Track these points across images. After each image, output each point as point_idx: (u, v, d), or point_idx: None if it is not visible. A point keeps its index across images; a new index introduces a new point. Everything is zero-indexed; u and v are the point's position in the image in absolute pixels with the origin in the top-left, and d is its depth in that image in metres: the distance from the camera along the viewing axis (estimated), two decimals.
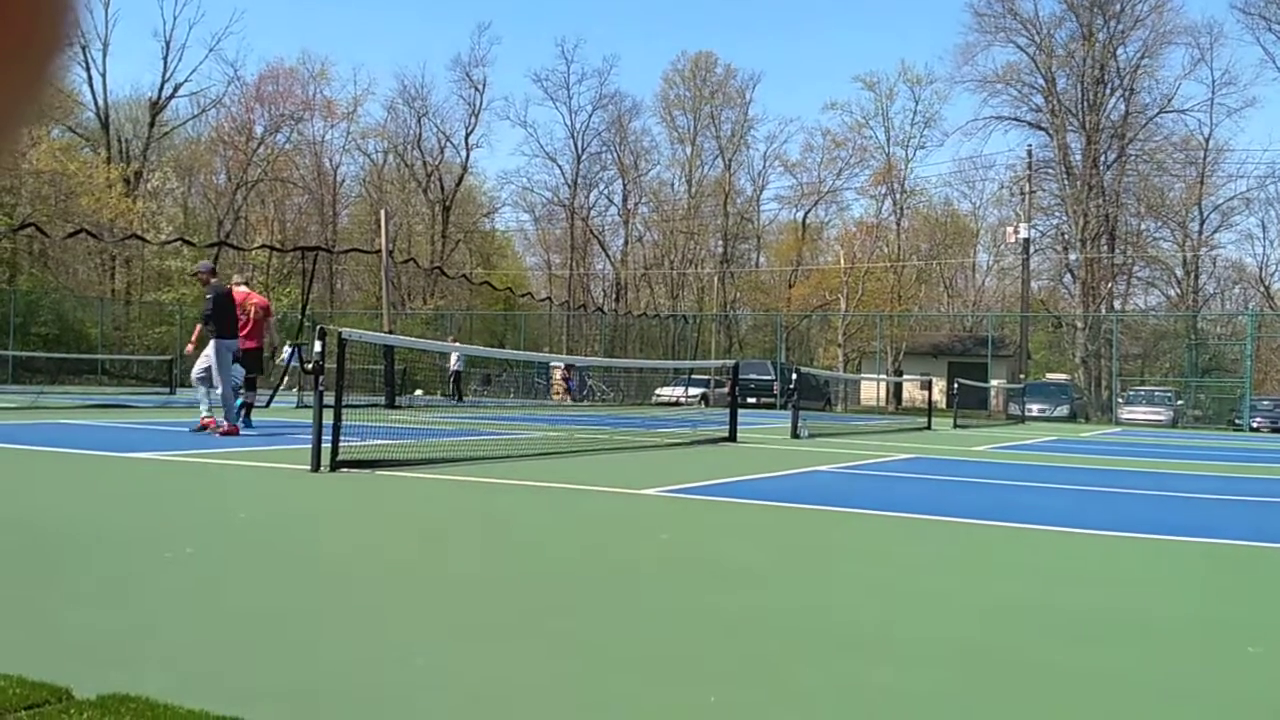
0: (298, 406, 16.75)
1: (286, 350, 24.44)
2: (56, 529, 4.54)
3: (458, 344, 25.07)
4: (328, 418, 7.25)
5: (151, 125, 44.55)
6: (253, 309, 11.97)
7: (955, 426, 20.66)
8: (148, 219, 41.45)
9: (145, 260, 41.36)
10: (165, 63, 44.21)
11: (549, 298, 46.57)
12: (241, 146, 46.71)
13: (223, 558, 3.99)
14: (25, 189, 35.00)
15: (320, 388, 7.41)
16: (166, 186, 47.55)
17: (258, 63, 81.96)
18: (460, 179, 53.77)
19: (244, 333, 11.60)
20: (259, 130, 47.45)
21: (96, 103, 42.31)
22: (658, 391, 33.66)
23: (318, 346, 7.46)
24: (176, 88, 44.94)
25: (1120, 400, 32.97)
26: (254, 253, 41.54)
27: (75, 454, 8.14)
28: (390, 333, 19.16)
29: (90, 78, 42.02)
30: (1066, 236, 44.59)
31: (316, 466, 7.08)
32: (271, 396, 18.55)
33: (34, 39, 0.41)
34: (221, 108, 47.75)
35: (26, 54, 0.41)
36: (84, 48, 40.61)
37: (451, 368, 26.75)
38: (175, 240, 33.52)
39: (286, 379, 21.91)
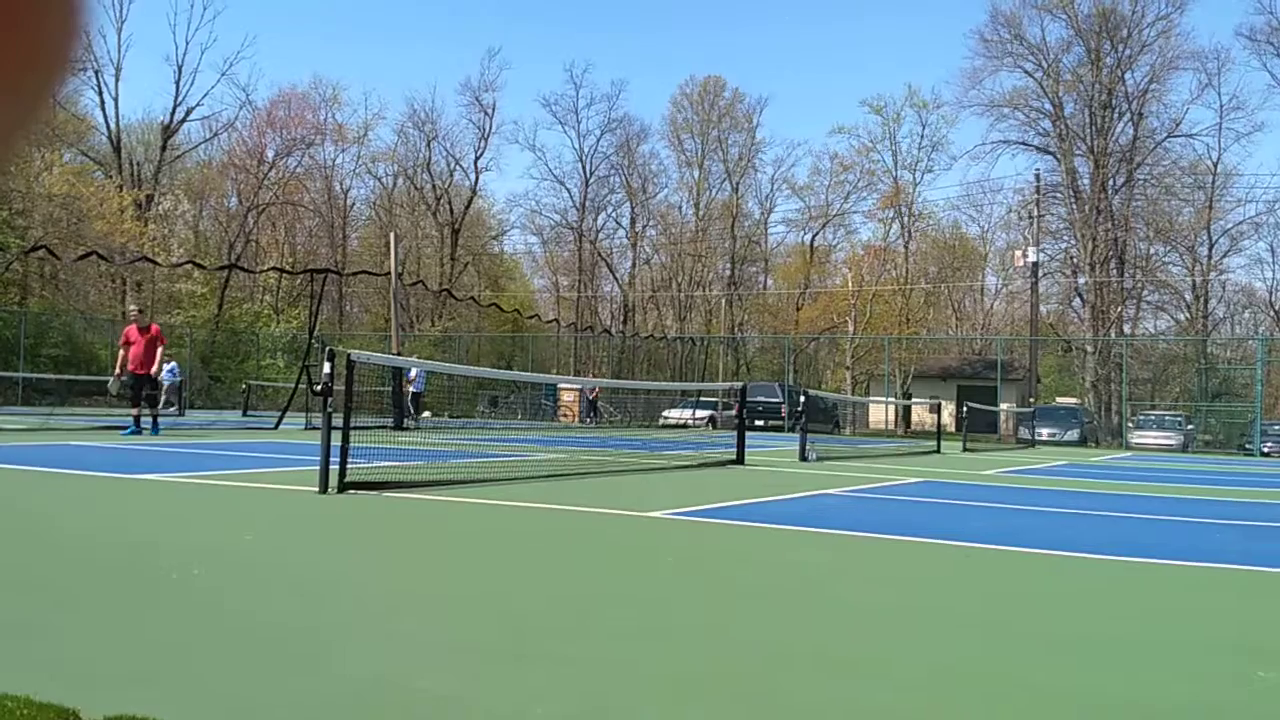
0: (306, 428, 16.77)
1: (165, 370, 24.63)
2: (64, 550, 4.55)
3: (417, 360, 23.83)
4: (336, 439, 7.27)
5: (163, 149, 44.93)
6: (161, 346, 14.85)
7: (965, 450, 20.58)
8: (159, 242, 41.72)
9: (155, 283, 41.59)
10: (177, 87, 44.68)
11: (557, 319, 46.71)
12: (253, 170, 47.08)
13: (229, 579, 3.99)
14: (38, 212, 35.26)
15: (328, 409, 7.43)
16: (178, 209, 47.88)
17: (269, 87, 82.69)
18: (469, 202, 54.09)
19: (155, 360, 14.57)
20: (270, 154, 47.89)
21: (109, 126, 42.71)
22: (665, 413, 33.64)
23: (326, 368, 7.49)
24: (188, 112, 45.39)
25: (1130, 425, 32.85)
26: (264, 275, 41.74)
27: (84, 475, 8.16)
28: (398, 355, 19.20)
29: (103, 102, 42.47)
30: (1075, 260, 44.58)
31: (324, 488, 7.08)
32: (280, 418, 18.60)
33: (39, 55, 0.42)
34: (233, 132, 48.25)
35: (31, 70, 0.42)
36: (97, 72, 41.07)
37: (411, 389, 23.97)
38: (185, 263, 33.74)
39: (165, 396, 22.77)
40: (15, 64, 0.41)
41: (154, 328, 15.01)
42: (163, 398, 23.02)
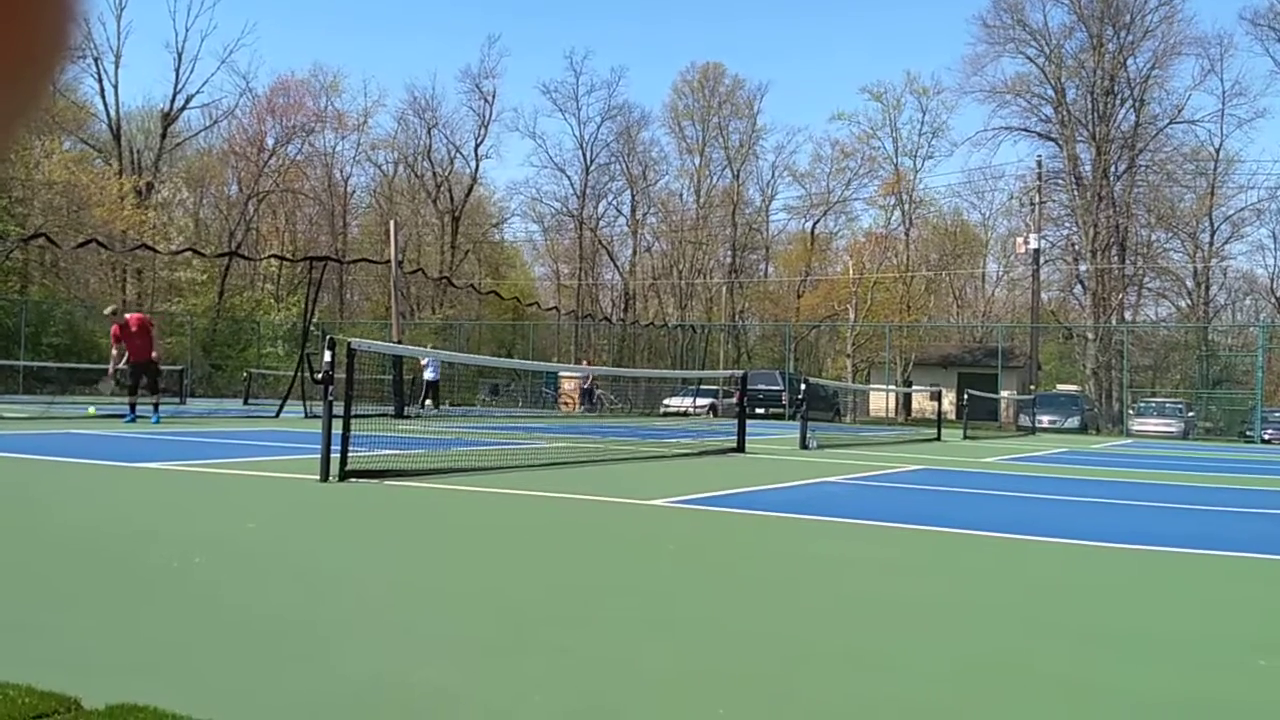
0: (306, 416, 16.77)
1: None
2: (65, 539, 4.55)
3: (432, 350, 24.14)
4: (336, 428, 7.26)
5: (163, 136, 44.79)
6: (153, 329, 15.06)
7: (965, 438, 20.57)
8: (159, 229, 41.64)
9: (156, 271, 41.55)
10: (177, 74, 44.50)
11: (557, 308, 46.67)
12: (253, 158, 46.94)
13: (231, 567, 3.99)
14: (37, 200, 35.19)
15: (329, 397, 7.42)
16: (178, 197, 47.80)
17: (269, 74, 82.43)
18: (469, 190, 53.97)
19: (150, 348, 14.77)
20: (270, 142, 47.74)
21: (109, 114, 42.59)
22: (666, 402, 33.62)
23: (327, 356, 7.48)
24: (188, 99, 45.23)
25: (1131, 412, 32.84)
26: (264, 262, 41.69)
27: (85, 464, 8.16)
28: (399, 343, 19.18)
29: (102, 89, 42.35)
30: (1076, 247, 44.52)
31: (325, 476, 7.08)
32: (281, 406, 18.59)
33: (37, 45, 0.42)
34: (233, 119, 48.09)
35: (30, 59, 0.42)
36: (96, 59, 40.93)
37: (426, 377, 25.00)
38: (185, 250, 33.66)
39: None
40: (14, 51, 0.41)
41: (132, 317, 15.16)
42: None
